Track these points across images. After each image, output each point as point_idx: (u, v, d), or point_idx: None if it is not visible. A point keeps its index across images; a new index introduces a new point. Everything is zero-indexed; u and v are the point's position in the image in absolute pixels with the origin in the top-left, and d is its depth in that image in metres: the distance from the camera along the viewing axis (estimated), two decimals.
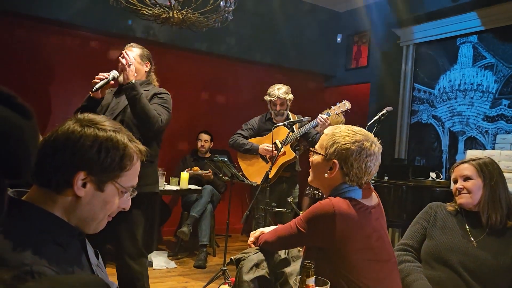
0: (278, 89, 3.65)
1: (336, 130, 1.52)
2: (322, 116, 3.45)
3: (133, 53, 2.61)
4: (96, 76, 2.47)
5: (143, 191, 2.30)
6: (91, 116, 1.00)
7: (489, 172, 1.86)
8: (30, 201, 0.93)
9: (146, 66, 2.70)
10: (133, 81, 2.44)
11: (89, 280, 0.82)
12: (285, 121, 3.62)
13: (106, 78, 2.45)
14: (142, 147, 1.04)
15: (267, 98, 3.70)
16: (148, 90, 2.63)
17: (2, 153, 0.52)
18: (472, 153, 3.62)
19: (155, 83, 2.79)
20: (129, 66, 2.45)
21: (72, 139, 0.93)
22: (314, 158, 1.56)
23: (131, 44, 2.70)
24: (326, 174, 1.50)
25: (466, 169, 1.91)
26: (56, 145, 0.93)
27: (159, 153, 2.78)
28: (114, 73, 2.51)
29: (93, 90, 2.42)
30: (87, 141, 0.93)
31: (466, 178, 1.90)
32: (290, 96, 3.67)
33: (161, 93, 2.63)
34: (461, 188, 1.89)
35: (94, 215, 0.98)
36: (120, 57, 2.51)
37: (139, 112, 2.41)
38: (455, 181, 1.94)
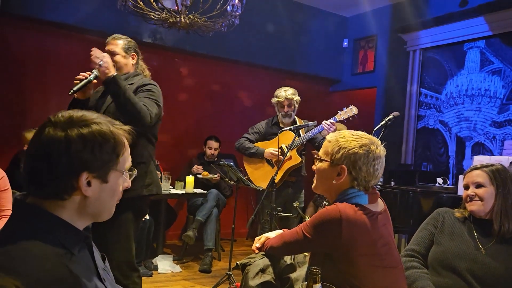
0: (285, 90, 3.67)
1: (340, 136, 1.51)
2: (326, 122, 3.44)
3: (117, 46, 2.43)
4: (77, 76, 2.28)
5: (129, 196, 1.91)
6: (65, 115, 0.96)
7: (502, 180, 1.83)
8: (36, 204, 0.93)
9: (133, 58, 2.48)
10: (114, 74, 2.19)
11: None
12: (292, 124, 3.62)
13: (86, 77, 2.25)
14: (126, 127, 1.04)
15: (274, 100, 3.71)
16: (132, 83, 2.39)
17: None
18: (479, 159, 3.59)
19: (146, 72, 2.57)
20: (99, 65, 2.21)
21: (61, 147, 0.91)
22: (320, 165, 1.54)
23: (114, 36, 2.49)
24: (334, 181, 1.49)
25: (478, 176, 1.87)
26: (48, 157, 0.91)
27: (163, 155, 2.63)
28: (96, 71, 2.29)
29: (70, 92, 2.20)
30: (77, 144, 0.92)
31: (479, 185, 1.86)
32: (297, 97, 3.67)
33: (146, 85, 2.36)
34: (473, 195, 1.86)
35: (105, 205, 1.01)
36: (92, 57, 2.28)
37: (124, 106, 2.15)
38: (467, 187, 1.91)
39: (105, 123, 0.99)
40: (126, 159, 1.04)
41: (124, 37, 2.50)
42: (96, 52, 2.24)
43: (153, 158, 2.45)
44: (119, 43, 2.44)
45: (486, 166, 1.88)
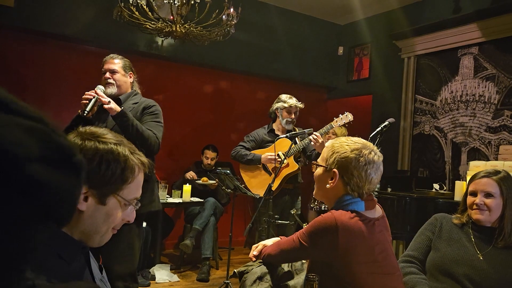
0: (290, 97, 3.64)
1: (336, 142, 1.54)
2: (312, 136, 3.39)
3: (116, 65, 2.54)
4: (83, 96, 2.31)
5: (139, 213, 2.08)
6: (92, 129, 1.00)
7: (510, 188, 1.81)
8: None
9: (130, 77, 2.60)
10: (122, 109, 2.30)
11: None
12: (289, 131, 3.62)
13: (94, 96, 2.29)
14: (145, 159, 1.03)
15: (280, 104, 3.64)
16: (136, 103, 2.52)
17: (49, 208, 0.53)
18: (475, 164, 3.61)
19: (138, 91, 2.69)
20: (108, 103, 2.29)
21: None
22: (317, 171, 1.57)
23: (111, 56, 2.60)
24: (327, 185, 1.51)
25: (490, 185, 1.83)
26: None
27: (159, 164, 2.71)
28: (100, 89, 2.38)
29: (85, 113, 2.24)
30: (87, 154, 0.93)
31: (488, 195, 1.83)
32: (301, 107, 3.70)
33: (150, 106, 2.51)
34: (481, 204, 1.83)
35: (97, 229, 0.98)
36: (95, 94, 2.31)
37: (133, 137, 2.23)
38: (474, 194, 1.87)
39: (124, 147, 0.98)
40: (133, 191, 1.01)
41: (120, 57, 2.62)
42: (99, 95, 2.32)
43: (153, 173, 2.56)
44: (117, 62, 2.56)
45: (494, 174, 1.85)
